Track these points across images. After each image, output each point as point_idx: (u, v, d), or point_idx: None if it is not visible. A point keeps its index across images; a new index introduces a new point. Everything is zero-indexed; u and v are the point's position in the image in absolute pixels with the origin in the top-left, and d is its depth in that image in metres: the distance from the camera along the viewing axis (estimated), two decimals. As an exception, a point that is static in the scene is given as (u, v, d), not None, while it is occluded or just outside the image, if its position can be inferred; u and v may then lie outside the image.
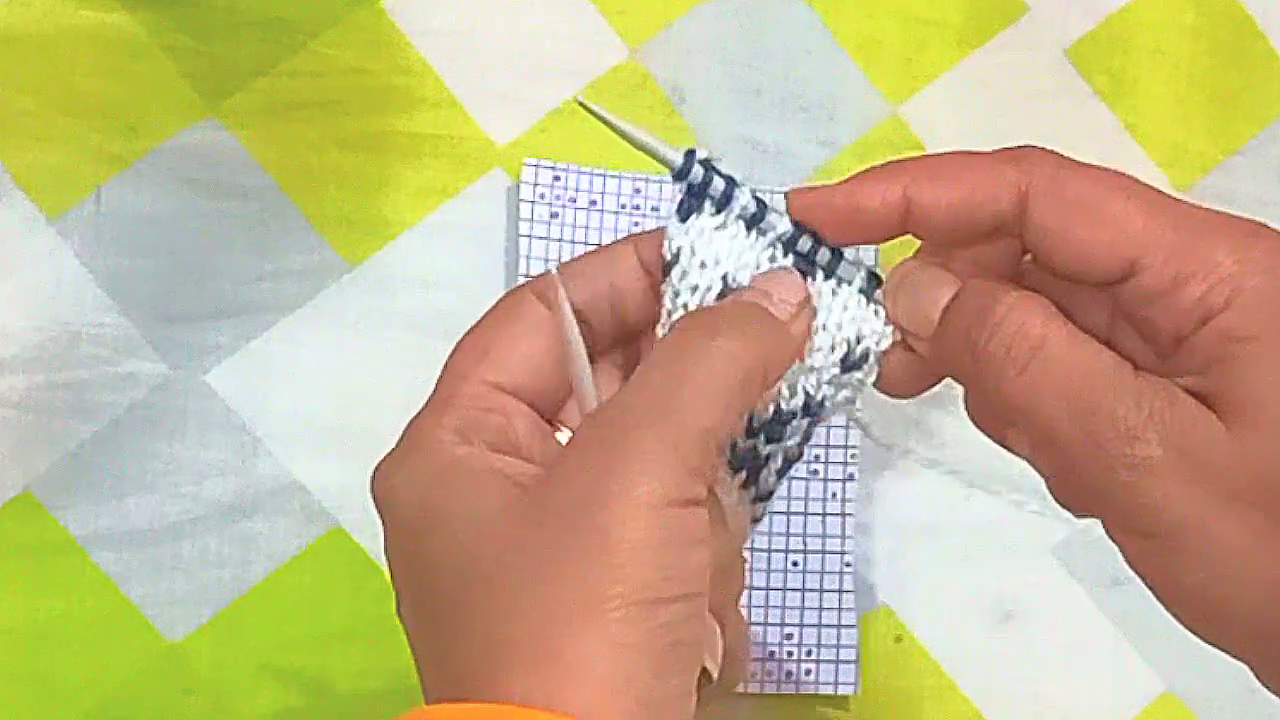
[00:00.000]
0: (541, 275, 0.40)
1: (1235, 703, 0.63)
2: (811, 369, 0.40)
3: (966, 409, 0.43)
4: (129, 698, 0.58)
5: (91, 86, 0.61)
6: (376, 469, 0.38)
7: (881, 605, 0.63)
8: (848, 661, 0.61)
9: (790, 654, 0.61)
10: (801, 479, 0.61)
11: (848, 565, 0.62)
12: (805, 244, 0.40)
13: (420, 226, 0.62)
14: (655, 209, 0.62)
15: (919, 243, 0.42)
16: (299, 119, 0.62)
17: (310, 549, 0.60)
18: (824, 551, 0.61)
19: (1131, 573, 0.38)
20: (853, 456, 0.62)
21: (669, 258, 0.39)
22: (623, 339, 0.41)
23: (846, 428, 0.62)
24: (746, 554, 0.44)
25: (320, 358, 0.61)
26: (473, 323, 0.61)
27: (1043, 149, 0.39)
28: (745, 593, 0.60)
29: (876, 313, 0.41)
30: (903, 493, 0.63)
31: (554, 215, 0.61)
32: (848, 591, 0.61)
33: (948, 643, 0.63)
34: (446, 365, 0.40)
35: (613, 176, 0.62)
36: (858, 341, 0.40)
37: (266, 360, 0.61)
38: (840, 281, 0.40)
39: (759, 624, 0.61)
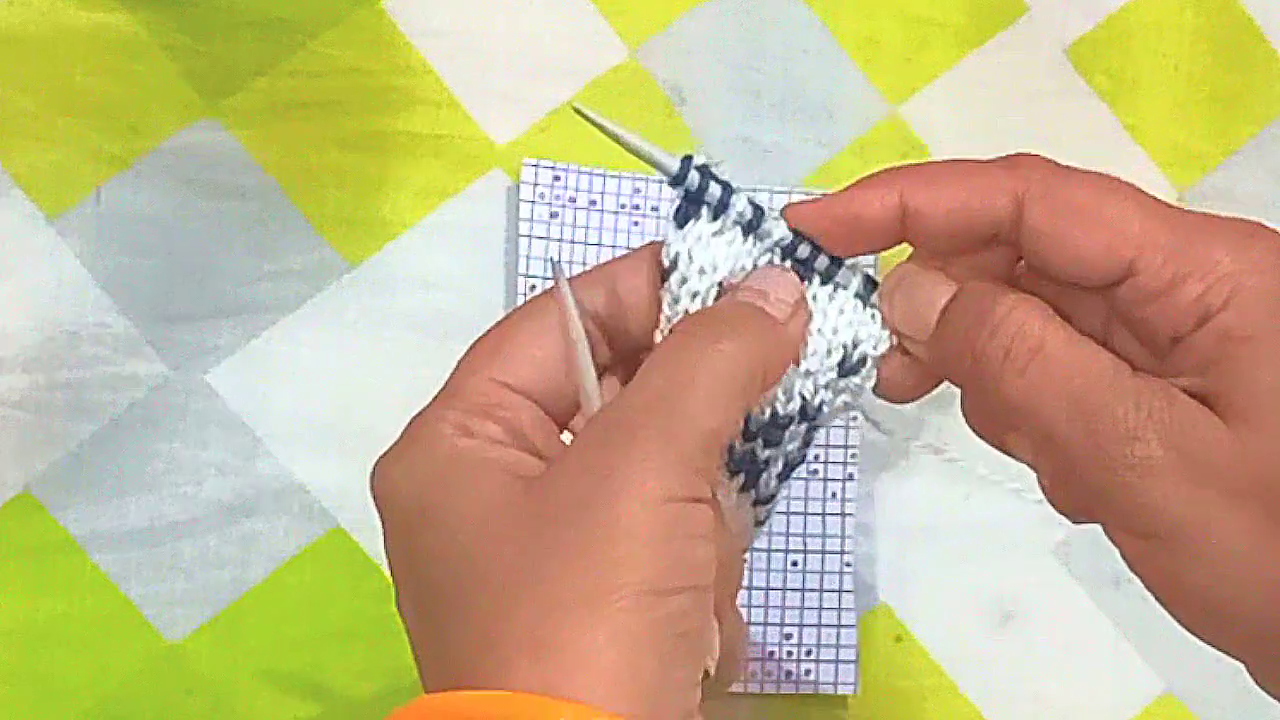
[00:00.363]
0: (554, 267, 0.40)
1: (1235, 702, 0.63)
2: (808, 373, 0.40)
3: (963, 413, 0.43)
4: (129, 698, 0.58)
5: (91, 86, 0.61)
6: (376, 463, 0.38)
7: (881, 605, 0.63)
8: (847, 661, 0.61)
9: (790, 654, 0.61)
10: (801, 479, 0.61)
11: (847, 565, 0.62)
12: (804, 250, 0.40)
13: (420, 226, 0.62)
14: (655, 209, 0.62)
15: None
16: (299, 119, 0.62)
17: (310, 549, 0.60)
18: (824, 551, 0.61)
19: (1131, 573, 0.38)
20: (853, 456, 0.62)
21: (667, 264, 0.40)
22: (630, 350, 0.41)
23: (846, 428, 0.62)
24: (746, 554, 0.44)
25: (320, 357, 0.61)
26: (472, 322, 0.62)
27: (1037, 155, 0.39)
28: (745, 593, 0.60)
29: (873, 317, 0.40)
30: (903, 493, 0.63)
31: (554, 215, 0.61)
32: (847, 591, 0.61)
33: (948, 643, 0.63)
34: (458, 363, 0.39)
35: (612, 176, 0.62)
36: (854, 346, 0.40)
37: (266, 360, 0.61)
38: (837, 286, 0.40)
39: (759, 624, 0.61)
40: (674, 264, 0.39)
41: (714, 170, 0.40)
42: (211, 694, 0.59)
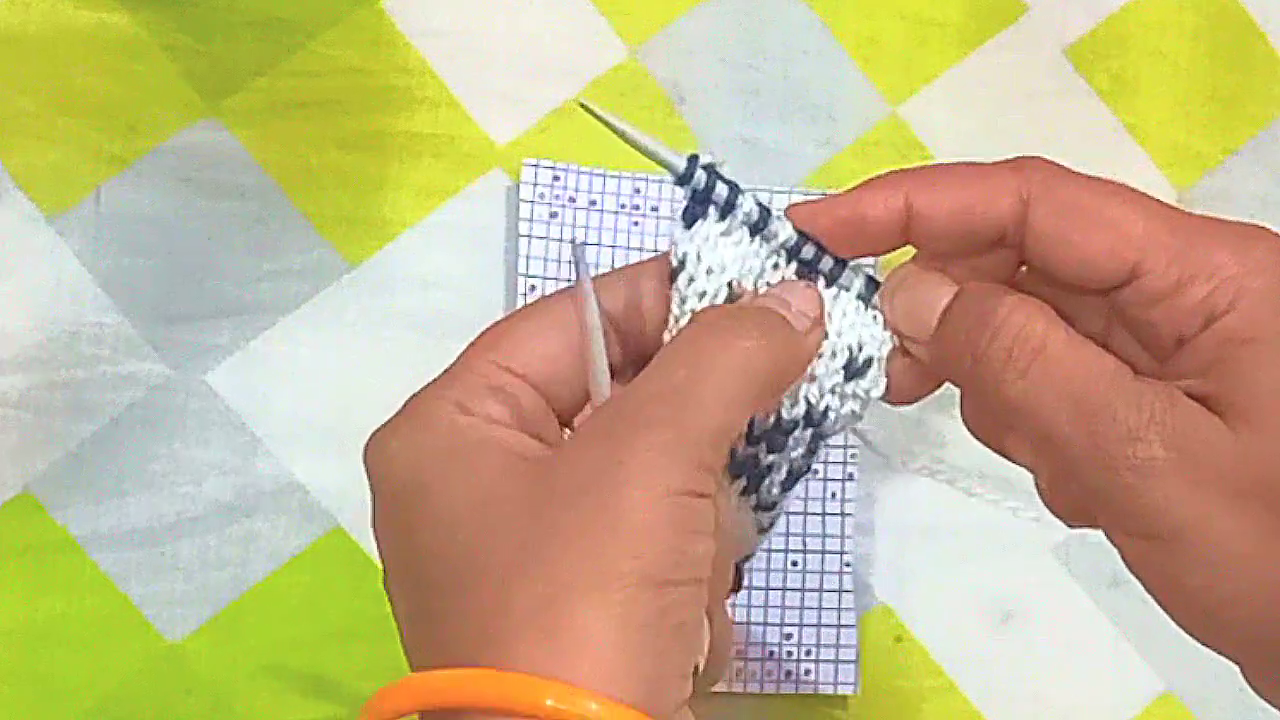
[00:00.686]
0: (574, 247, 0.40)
1: (1234, 703, 0.63)
2: (813, 377, 0.40)
3: (962, 415, 0.43)
4: (129, 698, 0.58)
5: (91, 86, 0.61)
6: (372, 436, 0.38)
7: (881, 605, 0.63)
8: (847, 661, 0.61)
9: (790, 654, 0.61)
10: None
11: (847, 565, 0.62)
12: (809, 252, 0.40)
13: (420, 226, 0.62)
14: (655, 209, 0.62)
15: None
16: (299, 119, 0.62)
17: (310, 549, 0.60)
18: (824, 551, 0.61)
19: (1130, 574, 0.38)
20: (852, 456, 0.62)
21: (675, 264, 0.39)
22: (642, 354, 0.41)
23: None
24: (750, 560, 0.44)
25: (320, 358, 0.61)
26: (472, 322, 0.62)
27: (1040, 158, 0.39)
28: (745, 593, 0.60)
29: (875, 319, 0.40)
30: (903, 493, 0.63)
31: (554, 215, 0.61)
32: (847, 591, 0.61)
33: (948, 643, 0.63)
34: (462, 351, 0.39)
35: (612, 176, 0.62)
36: (859, 349, 0.40)
37: (266, 360, 0.61)
38: (841, 289, 0.40)
39: (759, 624, 0.61)
40: (682, 264, 0.39)
41: (719, 170, 0.40)
42: (211, 694, 0.59)
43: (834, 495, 0.62)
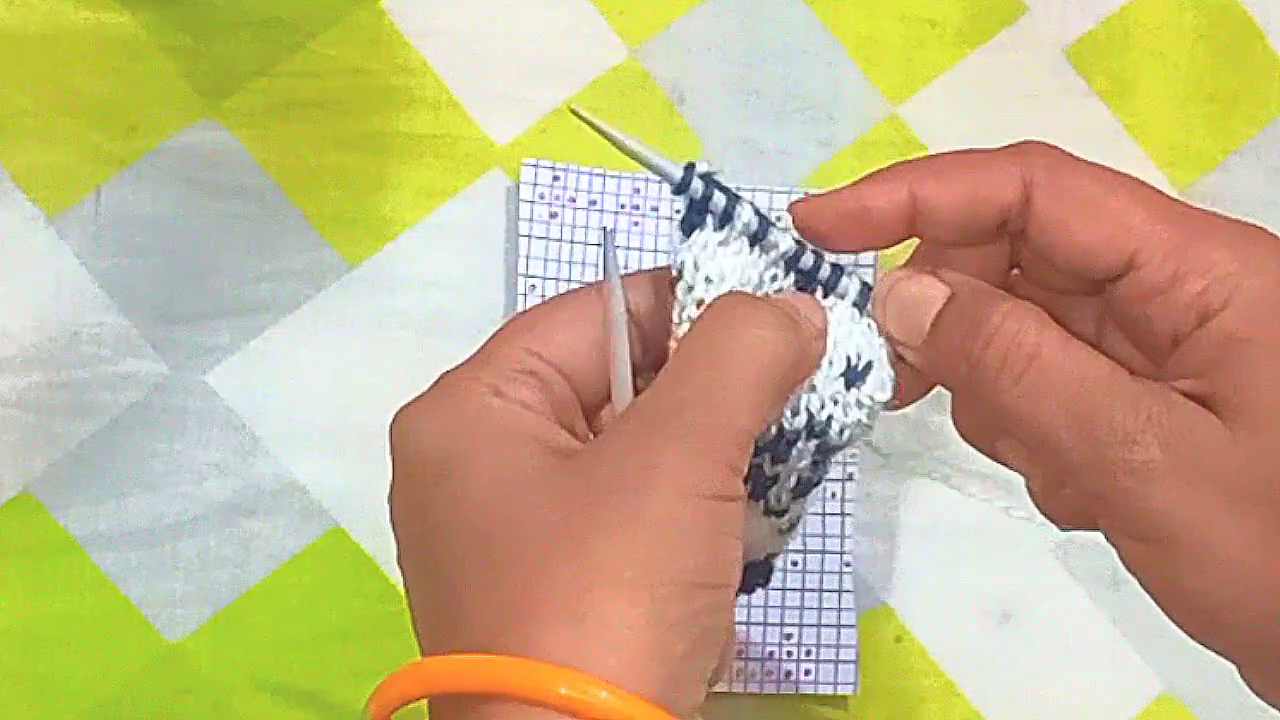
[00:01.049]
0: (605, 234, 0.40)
1: (1234, 703, 0.63)
2: (812, 387, 0.40)
3: (954, 420, 0.43)
4: (129, 698, 0.58)
5: (91, 86, 0.61)
6: (400, 412, 0.38)
7: (881, 605, 0.63)
8: (847, 661, 0.61)
9: (790, 654, 0.61)
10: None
11: (847, 565, 0.62)
12: (807, 260, 0.40)
13: (420, 226, 0.62)
14: (655, 209, 0.62)
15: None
16: (299, 119, 0.62)
17: (310, 549, 0.60)
18: (824, 551, 0.61)
19: (1130, 575, 0.38)
20: (852, 456, 0.62)
21: (675, 273, 0.39)
22: (663, 359, 0.41)
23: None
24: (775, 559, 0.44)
25: (320, 358, 0.61)
26: (472, 322, 0.62)
27: (1044, 143, 0.39)
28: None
29: (870, 326, 0.40)
30: (902, 493, 0.63)
31: (553, 215, 0.61)
32: (847, 591, 0.61)
33: (948, 643, 0.63)
34: (493, 334, 0.39)
35: (612, 176, 0.62)
36: (859, 356, 0.40)
37: (266, 360, 0.61)
38: (838, 297, 0.40)
39: (759, 624, 0.61)
40: (680, 273, 0.39)
41: (716, 178, 0.39)
42: (211, 694, 0.59)
43: (834, 495, 0.62)
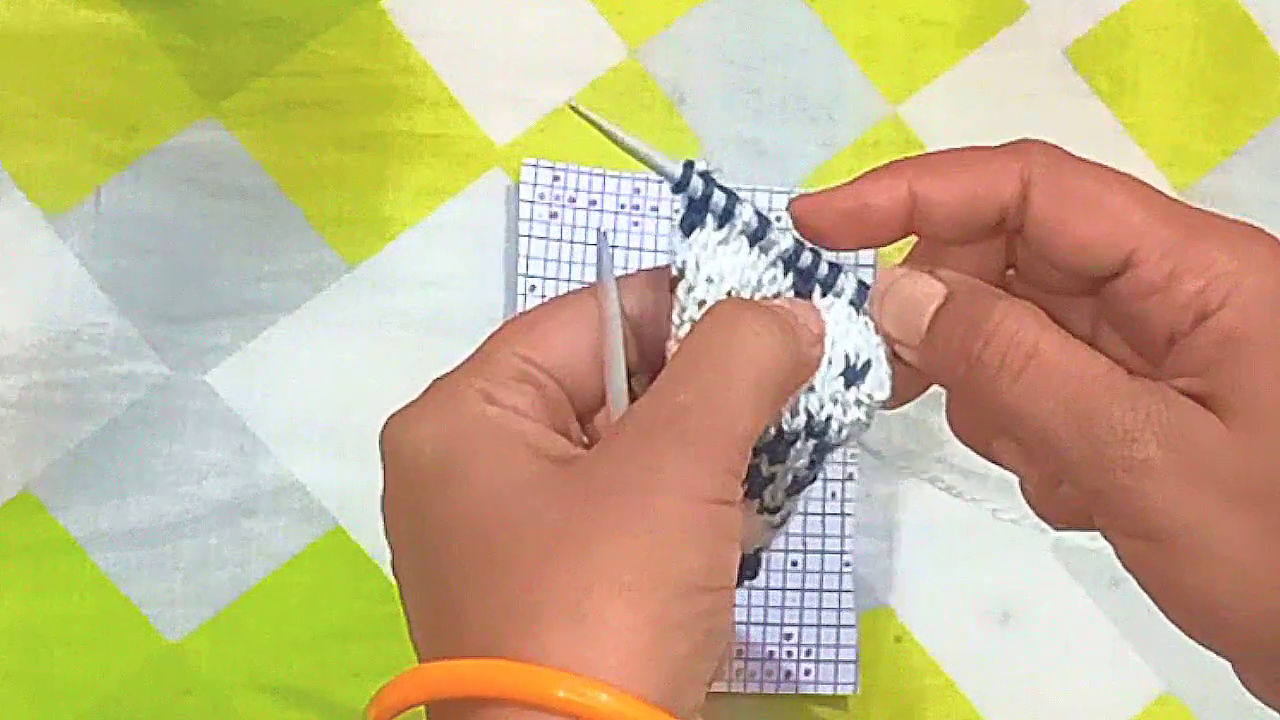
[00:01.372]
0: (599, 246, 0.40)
1: (1234, 703, 0.63)
2: (810, 388, 0.40)
3: (949, 419, 0.43)
4: (129, 698, 0.58)
5: (91, 86, 0.61)
6: (392, 418, 0.38)
7: (881, 605, 0.63)
8: (847, 661, 0.61)
9: (790, 654, 0.61)
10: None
11: (847, 565, 0.62)
12: (806, 259, 0.40)
13: (420, 226, 0.62)
14: (655, 209, 0.62)
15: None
16: (299, 119, 0.62)
17: (310, 549, 0.60)
18: (824, 551, 0.61)
19: (1127, 573, 0.38)
20: (852, 456, 0.62)
21: (675, 272, 0.39)
22: (659, 362, 0.41)
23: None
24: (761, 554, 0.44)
25: (320, 358, 0.61)
26: (472, 322, 0.62)
27: (1042, 141, 0.39)
28: (745, 593, 0.60)
29: (867, 325, 0.40)
30: (903, 493, 0.63)
31: (553, 215, 0.61)
32: (847, 591, 0.61)
33: (948, 643, 0.63)
34: (488, 337, 0.39)
35: (612, 176, 0.62)
36: (857, 355, 0.40)
37: (266, 360, 0.61)
38: (836, 296, 0.40)
39: (759, 624, 0.61)
40: (681, 272, 0.39)
41: (714, 176, 0.39)
42: (211, 694, 0.59)
43: (834, 495, 0.62)
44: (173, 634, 0.59)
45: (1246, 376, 0.36)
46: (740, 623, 0.60)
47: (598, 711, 0.33)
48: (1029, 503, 0.43)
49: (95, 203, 0.60)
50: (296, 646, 0.60)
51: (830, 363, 0.39)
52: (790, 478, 0.40)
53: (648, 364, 0.40)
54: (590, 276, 0.61)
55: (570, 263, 0.61)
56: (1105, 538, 0.38)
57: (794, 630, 0.61)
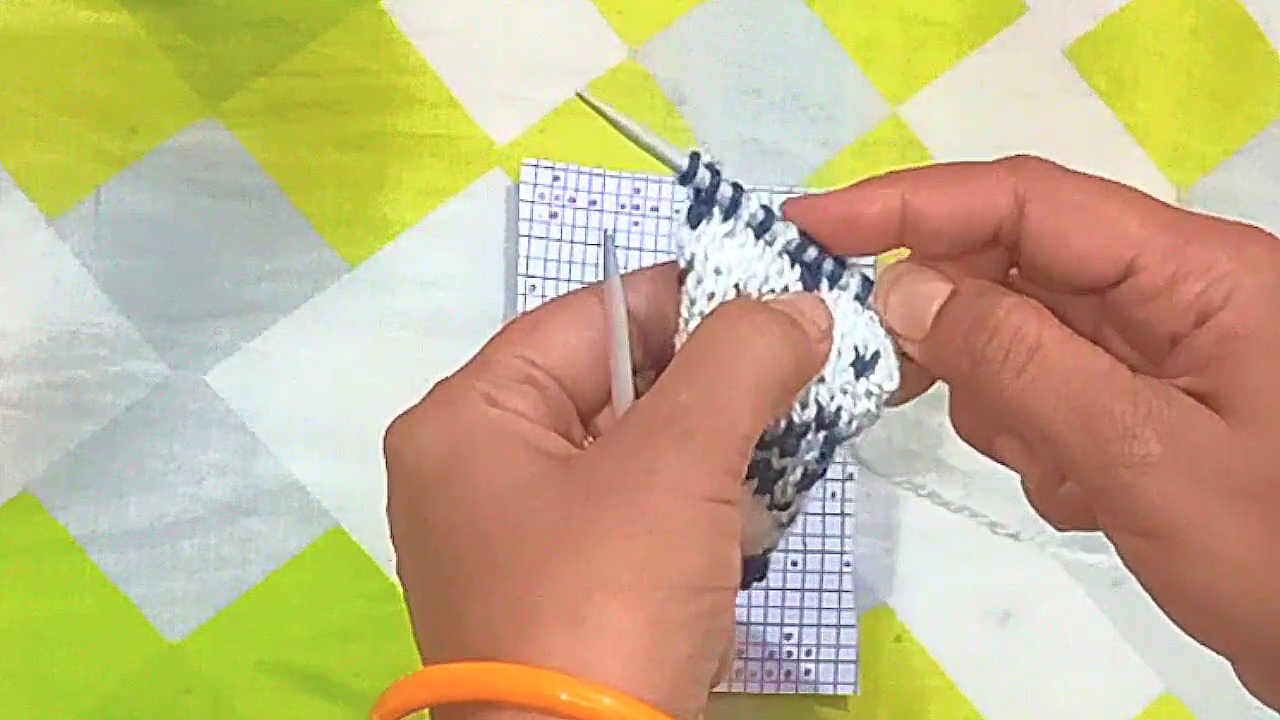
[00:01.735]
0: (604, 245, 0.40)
1: (1234, 703, 0.63)
2: (821, 379, 0.40)
3: (951, 418, 0.43)
4: (129, 698, 0.58)
5: (91, 86, 0.61)
6: (395, 421, 0.38)
7: (881, 605, 0.63)
8: (847, 661, 0.61)
9: (790, 654, 0.61)
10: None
11: (847, 565, 0.62)
12: (811, 254, 0.40)
13: (420, 226, 0.62)
14: (655, 209, 0.62)
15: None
16: (299, 119, 0.62)
17: (310, 549, 0.60)
18: (824, 551, 0.61)
19: (1128, 571, 0.38)
20: (852, 456, 0.62)
21: (683, 265, 0.39)
22: (664, 357, 0.41)
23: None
24: (770, 554, 0.44)
25: (320, 358, 0.61)
26: (472, 322, 0.62)
27: (1037, 157, 0.39)
28: (745, 593, 0.60)
29: (871, 319, 0.40)
30: (903, 493, 0.63)
31: (553, 215, 0.61)
32: (847, 591, 0.61)
33: (948, 643, 0.63)
34: (490, 339, 0.39)
35: (612, 176, 0.62)
36: (866, 346, 0.40)
37: (266, 360, 0.61)
38: (842, 290, 0.40)
39: (759, 624, 0.61)
40: (690, 265, 0.39)
41: (719, 170, 0.39)
42: (211, 694, 0.59)
43: (834, 495, 0.62)
44: (173, 634, 0.59)
45: (1247, 375, 0.36)
46: (740, 623, 0.60)
47: (600, 714, 0.33)
48: (1031, 502, 0.43)
49: (95, 203, 0.60)
50: (296, 646, 0.60)
51: (840, 354, 0.40)
52: (800, 472, 0.40)
53: (653, 361, 0.40)
54: (591, 276, 0.61)
55: (570, 263, 0.61)
56: (1107, 536, 0.38)
57: (794, 630, 0.61)
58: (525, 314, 0.40)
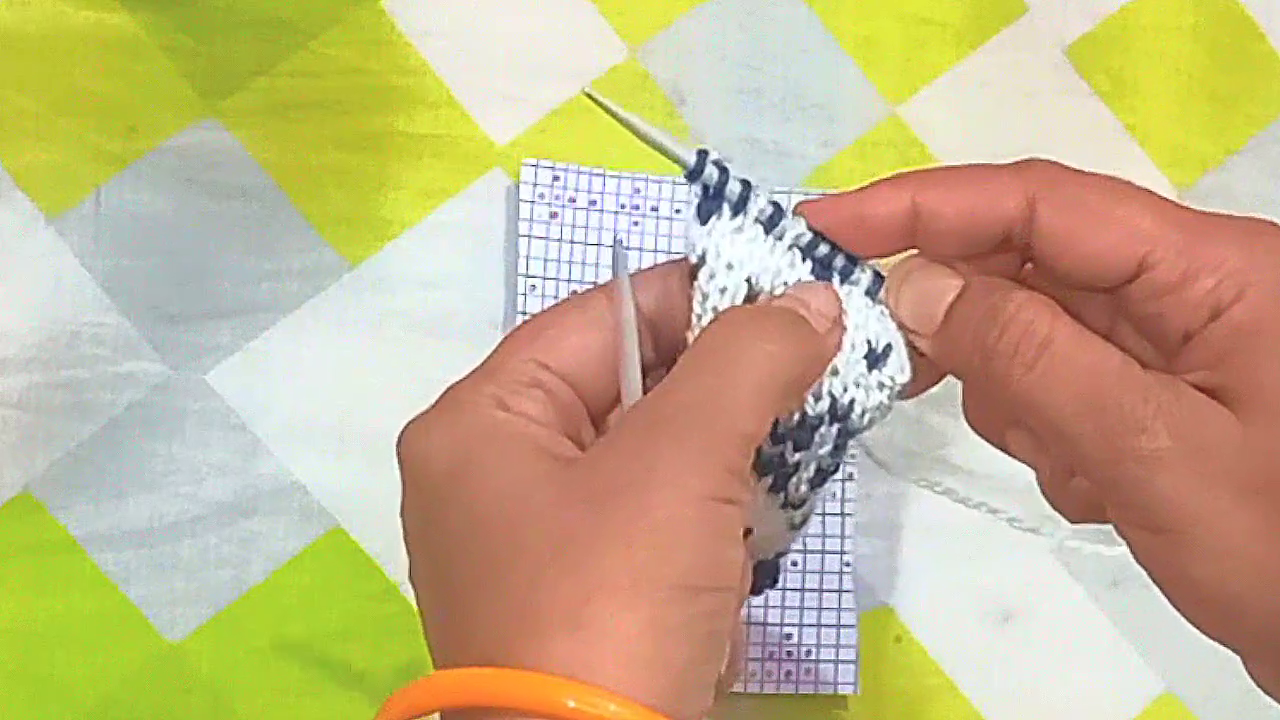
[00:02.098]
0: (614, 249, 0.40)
1: (1235, 703, 0.63)
2: (834, 371, 0.40)
3: (964, 412, 0.43)
4: (129, 698, 0.58)
5: (91, 86, 0.61)
6: (407, 426, 0.38)
7: (881, 605, 0.63)
8: (847, 661, 0.61)
9: (790, 654, 0.61)
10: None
11: (847, 565, 0.62)
12: (822, 249, 0.40)
13: (420, 226, 0.62)
14: (655, 209, 0.62)
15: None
16: (299, 119, 0.62)
17: (310, 549, 0.60)
18: (824, 551, 0.61)
19: (1131, 573, 0.38)
20: (852, 456, 0.62)
21: (694, 260, 0.39)
22: (674, 354, 0.40)
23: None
24: (785, 558, 0.44)
25: (320, 358, 0.61)
26: (472, 322, 0.62)
27: (1046, 160, 0.39)
28: (745, 593, 0.60)
29: (882, 314, 0.40)
30: (903, 493, 0.63)
31: (553, 215, 0.61)
32: (847, 591, 0.61)
33: (948, 643, 0.63)
34: (499, 343, 0.39)
35: (612, 176, 0.62)
36: (878, 339, 0.40)
37: (266, 360, 0.61)
38: (854, 285, 0.40)
39: (759, 624, 0.61)
40: (702, 260, 0.39)
41: (727, 166, 0.40)
42: (211, 694, 0.59)
43: (834, 495, 0.62)
44: (173, 634, 0.59)
45: (1258, 370, 0.36)
46: (740, 623, 0.60)
47: None
48: (1044, 495, 0.43)
49: (95, 203, 0.60)
50: (296, 646, 0.60)
51: (853, 347, 0.40)
52: (814, 467, 0.40)
53: (664, 359, 0.40)
54: (591, 276, 0.61)
55: (570, 263, 0.61)
56: (1117, 531, 0.38)
57: (794, 630, 0.61)
58: (534, 317, 0.40)
